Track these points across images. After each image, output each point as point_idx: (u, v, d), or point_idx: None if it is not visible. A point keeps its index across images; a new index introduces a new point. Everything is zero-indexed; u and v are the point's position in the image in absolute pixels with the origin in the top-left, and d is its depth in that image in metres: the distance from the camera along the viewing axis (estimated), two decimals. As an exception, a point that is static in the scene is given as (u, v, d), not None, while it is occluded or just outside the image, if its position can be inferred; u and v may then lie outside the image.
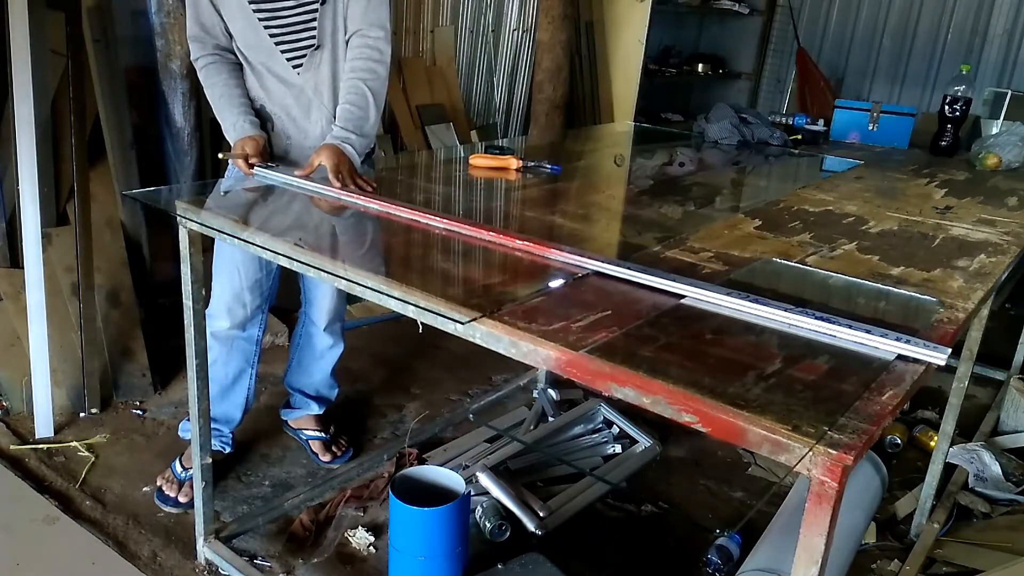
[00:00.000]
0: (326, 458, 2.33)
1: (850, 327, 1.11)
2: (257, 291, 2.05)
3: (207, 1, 1.87)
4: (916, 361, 1.06)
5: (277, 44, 1.90)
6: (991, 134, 2.92)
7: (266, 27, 1.88)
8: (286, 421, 2.45)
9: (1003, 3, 5.10)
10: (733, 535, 2.03)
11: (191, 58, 1.95)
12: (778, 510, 1.95)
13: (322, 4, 1.89)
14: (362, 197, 1.68)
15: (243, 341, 2.11)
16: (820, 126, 3.15)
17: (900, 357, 1.06)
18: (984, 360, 3.02)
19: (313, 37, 1.91)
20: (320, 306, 2.23)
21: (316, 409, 2.37)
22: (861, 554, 2.06)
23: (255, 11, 1.86)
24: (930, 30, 5.39)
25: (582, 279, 1.30)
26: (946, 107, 2.92)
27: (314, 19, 1.90)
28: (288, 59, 1.92)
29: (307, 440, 2.38)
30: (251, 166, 1.85)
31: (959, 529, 2.20)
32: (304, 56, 1.93)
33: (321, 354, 2.32)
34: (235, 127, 1.90)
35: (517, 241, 1.43)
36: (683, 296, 1.23)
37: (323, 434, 2.37)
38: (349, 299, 3.38)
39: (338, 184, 1.75)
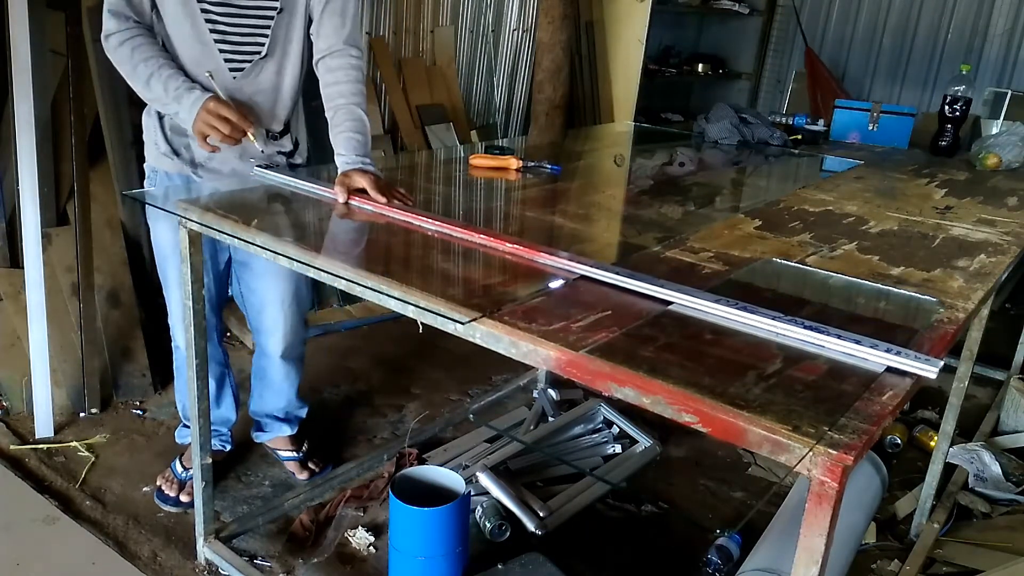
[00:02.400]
0: (303, 476, 2.26)
1: (839, 337, 1.08)
2: (207, 295, 1.97)
3: None
4: (906, 374, 1.03)
5: (219, 45, 1.76)
6: (991, 134, 2.92)
7: (210, 27, 1.74)
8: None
9: (1003, 3, 5.10)
10: (733, 535, 2.03)
11: (103, 34, 1.70)
12: (778, 510, 1.95)
13: (279, 13, 1.79)
14: (354, 197, 1.67)
15: (212, 349, 2.05)
16: (820, 126, 3.16)
17: (889, 369, 1.04)
18: (984, 360, 3.02)
19: (262, 46, 1.80)
20: (274, 334, 2.08)
21: (288, 430, 2.28)
22: (861, 554, 2.06)
23: (201, 9, 1.72)
24: (930, 30, 5.38)
25: (576, 281, 1.30)
26: (946, 107, 2.92)
27: (268, 27, 1.79)
28: (226, 60, 1.78)
29: (283, 460, 2.31)
30: (238, 133, 1.71)
31: (959, 529, 2.20)
32: (248, 64, 1.80)
33: (279, 385, 2.19)
34: (198, 93, 1.69)
35: (507, 244, 1.43)
36: (671, 303, 1.21)
37: (296, 453, 2.29)
38: (349, 299, 3.39)
39: (383, 200, 1.64)
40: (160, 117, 1.85)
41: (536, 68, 4.31)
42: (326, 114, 1.87)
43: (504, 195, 2.04)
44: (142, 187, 2.77)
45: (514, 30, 4.44)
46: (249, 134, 1.74)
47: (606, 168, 2.63)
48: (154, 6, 1.74)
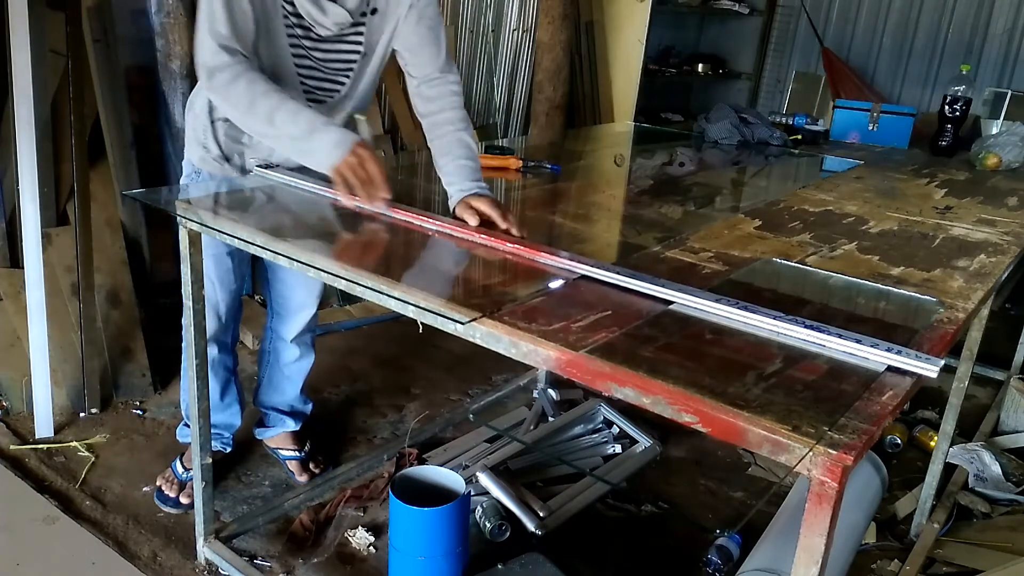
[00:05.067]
0: (303, 478, 2.25)
1: (840, 336, 1.08)
2: (230, 300, 2.02)
3: (248, 5, 1.59)
4: (906, 373, 1.03)
5: (300, 78, 1.75)
6: (991, 134, 2.93)
7: (296, 62, 1.72)
8: (261, 440, 2.37)
9: (1003, 3, 5.10)
10: (733, 535, 2.03)
11: (207, 69, 1.59)
12: (778, 510, 1.95)
13: (362, 56, 1.78)
14: (355, 196, 1.66)
15: (223, 356, 2.09)
16: (820, 126, 3.16)
17: (890, 368, 1.04)
18: (984, 360, 3.02)
19: (342, 85, 1.81)
20: (299, 314, 2.14)
21: (293, 425, 2.29)
22: (861, 554, 2.05)
23: (291, 44, 1.69)
24: (930, 30, 5.38)
25: (577, 281, 1.30)
26: (946, 107, 2.92)
27: (351, 70, 1.79)
28: (305, 92, 1.77)
29: (284, 460, 2.31)
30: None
31: (959, 529, 2.20)
32: (325, 101, 1.81)
33: (289, 368, 2.23)
34: (340, 132, 1.58)
35: (507, 244, 1.43)
36: (671, 303, 1.22)
37: (299, 453, 2.29)
38: (349, 299, 3.39)
39: (505, 226, 1.54)
40: (212, 121, 1.80)
41: (536, 68, 4.32)
42: (428, 139, 1.83)
43: (504, 195, 2.04)
44: (143, 187, 2.79)
45: (514, 30, 4.44)
46: (380, 204, 1.57)
47: (606, 168, 2.63)
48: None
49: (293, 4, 1.65)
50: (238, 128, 1.78)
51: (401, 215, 1.59)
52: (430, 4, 1.79)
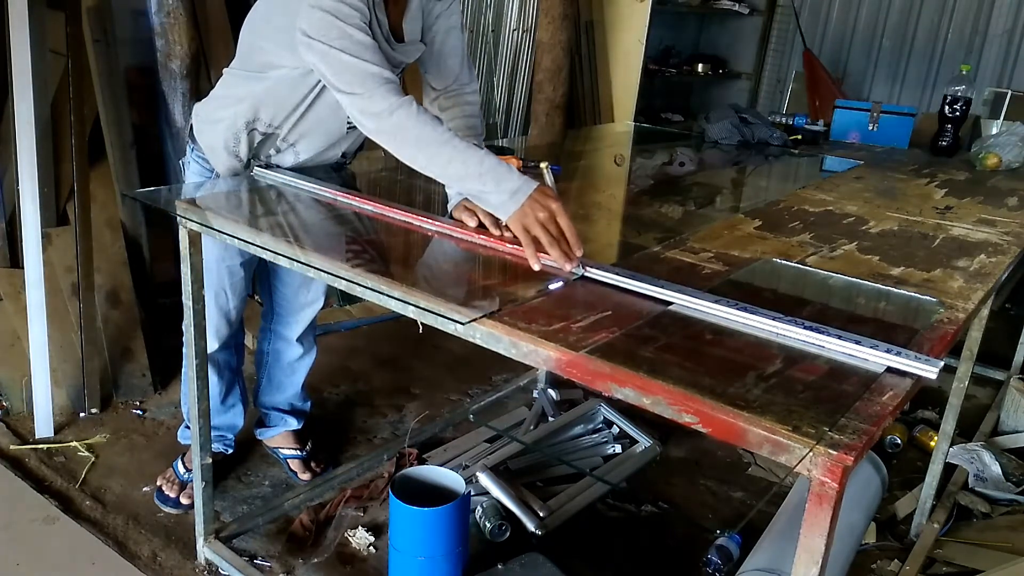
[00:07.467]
0: (305, 477, 2.26)
1: (839, 338, 1.08)
2: (240, 306, 2.02)
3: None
4: (906, 374, 1.03)
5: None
6: (991, 134, 2.92)
7: None
8: (262, 441, 2.37)
9: (1003, 3, 5.10)
10: (733, 535, 2.03)
11: (381, 109, 1.43)
12: (778, 510, 1.95)
13: (400, 73, 1.76)
14: (356, 197, 1.67)
15: (229, 357, 2.10)
16: (820, 126, 3.16)
17: (889, 370, 1.04)
18: (984, 360, 3.02)
19: None
20: (305, 310, 2.16)
21: (295, 424, 2.30)
22: (861, 554, 2.06)
23: None
24: (930, 30, 5.38)
25: (577, 282, 1.30)
26: (946, 107, 2.92)
27: None
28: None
29: (285, 459, 2.31)
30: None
31: (959, 529, 2.20)
32: None
33: (292, 366, 2.24)
34: (519, 177, 1.41)
35: (507, 244, 1.43)
36: (671, 303, 1.22)
37: (301, 452, 2.30)
38: (349, 299, 3.39)
39: (498, 232, 1.47)
40: (250, 131, 1.76)
41: (536, 68, 4.31)
42: None
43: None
44: (143, 187, 2.78)
45: (514, 30, 4.44)
46: (572, 265, 1.32)
47: (606, 168, 2.63)
48: None
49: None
50: (274, 136, 1.78)
51: (401, 215, 1.59)
52: (453, 13, 1.79)
